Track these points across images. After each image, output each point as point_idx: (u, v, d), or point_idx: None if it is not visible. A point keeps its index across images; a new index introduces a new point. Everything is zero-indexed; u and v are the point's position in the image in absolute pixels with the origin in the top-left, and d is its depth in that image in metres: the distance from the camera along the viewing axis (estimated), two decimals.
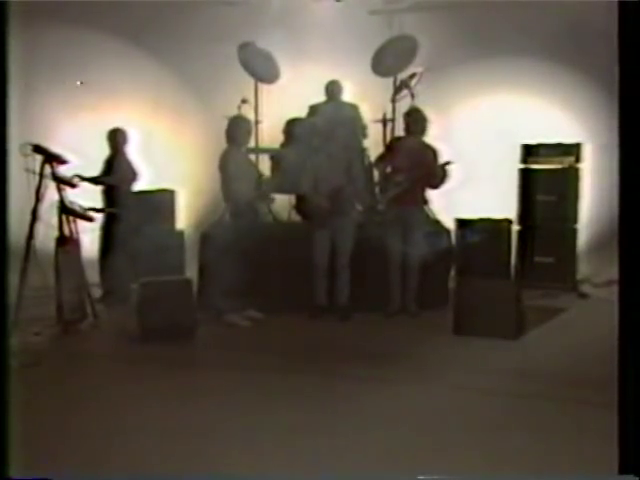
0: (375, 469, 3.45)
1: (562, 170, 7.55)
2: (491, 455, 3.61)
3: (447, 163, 6.47)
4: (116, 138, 7.27)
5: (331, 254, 6.51)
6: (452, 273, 7.08)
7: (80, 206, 6.25)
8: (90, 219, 6.36)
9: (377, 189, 6.78)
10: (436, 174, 6.44)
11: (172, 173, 8.56)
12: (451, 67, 8.77)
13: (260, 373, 4.97)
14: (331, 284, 6.57)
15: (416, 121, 6.61)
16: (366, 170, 7.19)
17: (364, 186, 6.69)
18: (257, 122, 7.96)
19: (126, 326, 5.85)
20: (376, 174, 6.93)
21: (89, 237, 6.76)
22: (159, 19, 8.70)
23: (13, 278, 5.05)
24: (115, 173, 7.16)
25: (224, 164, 6.42)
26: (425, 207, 6.75)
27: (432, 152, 6.59)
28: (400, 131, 8.04)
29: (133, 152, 7.43)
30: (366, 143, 7.77)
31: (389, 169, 6.65)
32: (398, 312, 6.55)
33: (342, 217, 6.47)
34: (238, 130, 6.53)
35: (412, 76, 7.37)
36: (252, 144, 7.91)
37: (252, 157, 7.74)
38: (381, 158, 6.85)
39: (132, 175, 7.28)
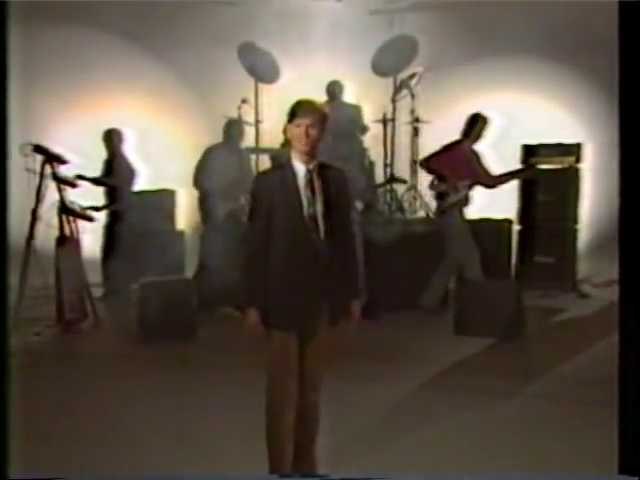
0: (374, 468, 3.46)
1: (562, 170, 7.54)
2: (491, 454, 3.62)
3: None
4: (112, 139, 7.27)
5: None
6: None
7: (80, 206, 6.25)
8: (90, 219, 6.36)
9: (434, 194, 6.63)
10: (484, 176, 6.33)
11: (173, 173, 8.55)
12: (451, 67, 8.76)
13: (260, 373, 4.96)
14: None
15: (476, 126, 6.42)
16: (366, 170, 7.20)
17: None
18: (257, 122, 7.96)
19: (126, 326, 5.85)
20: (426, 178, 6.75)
21: (89, 237, 6.76)
22: (159, 19, 8.70)
23: (13, 278, 5.05)
24: (115, 174, 7.16)
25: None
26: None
27: (475, 156, 6.45)
28: (400, 131, 8.05)
29: (133, 152, 7.43)
30: (366, 143, 7.77)
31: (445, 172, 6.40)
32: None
33: None
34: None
35: (412, 76, 7.38)
36: (252, 144, 7.94)
37: (252, 157, 7.76)
38: (433, 162, 6.51)
39: (131, 175, 7.28)
